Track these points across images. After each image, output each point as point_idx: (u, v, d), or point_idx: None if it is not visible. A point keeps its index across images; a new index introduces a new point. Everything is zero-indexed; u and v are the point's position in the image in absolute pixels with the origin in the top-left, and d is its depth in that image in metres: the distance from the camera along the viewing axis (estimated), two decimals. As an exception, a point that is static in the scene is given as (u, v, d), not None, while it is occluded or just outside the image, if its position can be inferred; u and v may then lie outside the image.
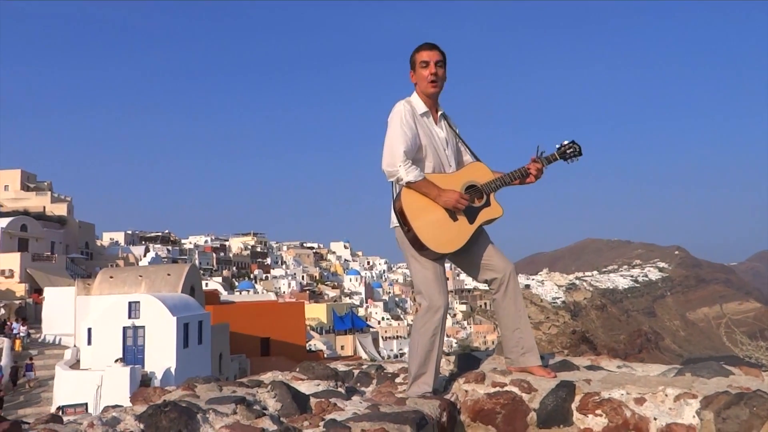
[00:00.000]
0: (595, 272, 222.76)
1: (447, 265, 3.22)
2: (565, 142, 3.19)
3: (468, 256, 3.08)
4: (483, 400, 2.80)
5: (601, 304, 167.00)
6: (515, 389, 2.80)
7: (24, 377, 27.36)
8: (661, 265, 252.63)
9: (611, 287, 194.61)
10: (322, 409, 2.58)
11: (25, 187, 62.25)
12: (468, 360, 3.42)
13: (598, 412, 2.59)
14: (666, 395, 2.55)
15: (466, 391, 2.90)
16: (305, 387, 2.99)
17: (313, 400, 2.69)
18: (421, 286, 2.97)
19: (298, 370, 3.25)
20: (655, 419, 2.50)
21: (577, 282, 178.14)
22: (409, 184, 2.91)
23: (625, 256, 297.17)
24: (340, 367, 3.81)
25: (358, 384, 3.46)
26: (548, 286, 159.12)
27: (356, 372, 3.68)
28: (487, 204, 3.04)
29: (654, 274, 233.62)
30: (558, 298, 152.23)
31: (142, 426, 2.13)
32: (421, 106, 3.09)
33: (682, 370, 2.85)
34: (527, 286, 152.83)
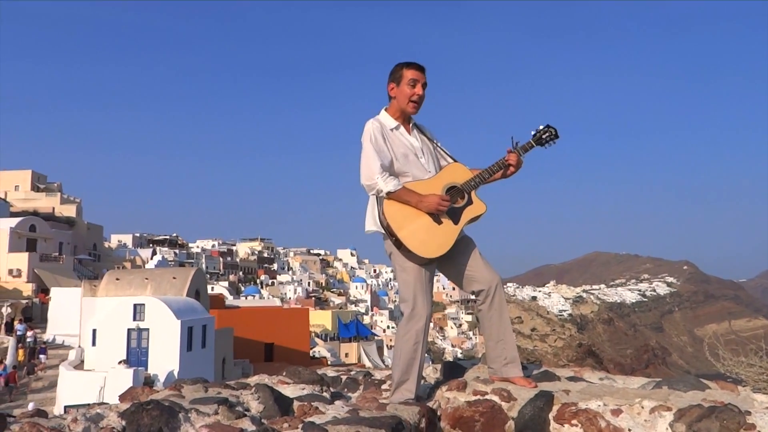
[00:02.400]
0: (602, 285, 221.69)
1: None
2: (541, 127, 3.19)
3: (456, 266, 3.13)
4: (463, 408, 2.84)
5: (608, 317, 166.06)
6: (495, 398, 2.85)
7: (38, 359, 28.35)
8: (670, 279, 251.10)
9: (618, 301, 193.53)
10: (304, 412, 2.64)
11: (35, 188, 62.82)
12: (453, 368, 3.47)
13: (574, 422, 2.63)
14: (642, 407, 2.59)
15: (448, 398, 2.95)
16: (290, 390, 3.05)
17: (296, 404, 2.75)
18: (406, 293, 3.02)
19: (284, 374, 3.31)
20: (629, 430, 2.54)
21: (585, 295, 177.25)
22: (389, 194, 2.97)
23: (633, 270, 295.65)
24: (329, 372, 3.86)
25: (345, 389, 3.52)
26: (555, 299, 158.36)
27: (344, 378, 3.74)
28: (470, 202, 3.08)
29: (662, 289, 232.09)
30: (564, 310, 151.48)
31: (123, 423, 2.19)
32: (390, 122, 3.17)
33: (660, 383, 2.89)
34: (534, 298, 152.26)
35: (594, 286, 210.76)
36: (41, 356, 28.78)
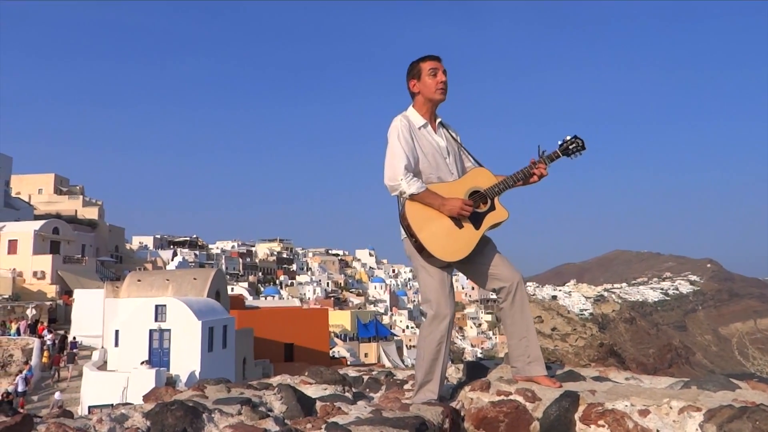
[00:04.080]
0: (624, 284, 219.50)
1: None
2: (567, 138, 3.17)
3: (475, 265, 3.11)
4: (487, 408, 2.82)
5: (630, 316, 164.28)
6: (519, 398, 2.81)
7: (72, 351, 29.47)
8: (693, 278, 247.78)
9: (641, 300, 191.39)
10: (327, 413, 2.63)
11: (58, 191, 63.88)
12: (476, 368, 3.43)
13: (601, 422, 2.59)
14: (671, 408, 2.54)
15: (471, 398, 2.93)
16: (312, 391, 3.05)
17: (318, 404, 2.74)
18: (429, 294, 3.00)
19: (306, 374, 3.31)
20: (657, 431, 2.49)
21: (606, 294, 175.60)
22: (412, 197, 2.95)
23: (655, 269, 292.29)
24: (351, 372, 3.86)
25: (367, 390, 3.50)
26: (576, 298, 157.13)
27: (366, 378, 3.72)
28: (492, 208, 3.06)
29: (685, 288, 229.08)
30: (585, 309, 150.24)
31: (148, 423, 2.20)
32: (418, 119, 3.15)
33: (688, 383, 2.84)
34: (554, 297, 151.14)
35: (615, 285, 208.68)
36: (74, 350, 29.87)
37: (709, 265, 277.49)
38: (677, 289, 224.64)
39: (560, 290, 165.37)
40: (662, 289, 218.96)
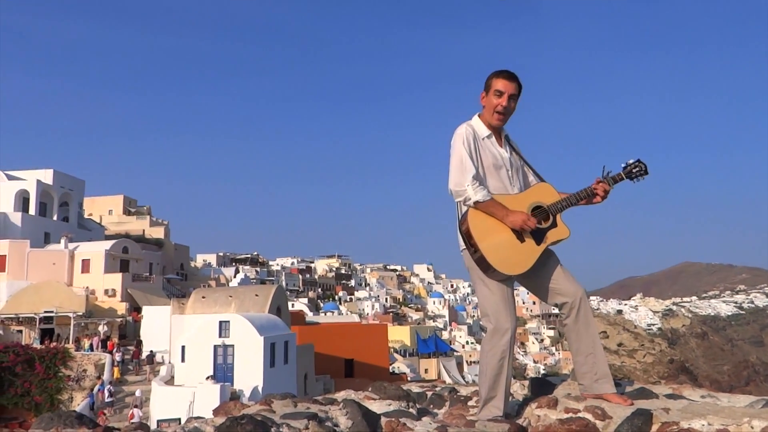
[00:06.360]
0: (694, 297, 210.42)
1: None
2: (631, 161, 3.13)
3: (537, 279, 3.06)
4: (555, 426, 2.75)
5: (702, 331, 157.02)
6: (589, 416, 2.74)
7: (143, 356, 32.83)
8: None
9: (712, 314, 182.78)
10: (392, 429, 2.63)
11: (126, 212, 66.63)
12: (542, 385, 3.37)
13: (676, 442, 2.48)
14: (751, 428, 2.42)
15: (538, 416, 2.87)
16: (377, 406, 3.06)
17: (383, 420, 2.74)
18: (488, 308, 2.96)
19: (370, 389, 3.32)
20: (738, 452, 2.37)
21: (675, 308, 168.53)
22: (476, 204, 2.93)
23: (727, 281, 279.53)
24: (414, 388, 3.84)
25: (431, 406, 3.48)
26: (642, 312, 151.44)
27: (429, 394, 3.70)
28: (554, 225, 3.02)
29: (761, 301, 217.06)
30: (653, 324, 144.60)
31: (219, 437, 2.26)
32: (483, 130, 3.12)
33: (771, 401, 2.70)
34: (619, 312, 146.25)
35: (685, 299, 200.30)
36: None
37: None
38: (752, 302, 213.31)
39: (626, 304, 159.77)
40: (736, 302, 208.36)
